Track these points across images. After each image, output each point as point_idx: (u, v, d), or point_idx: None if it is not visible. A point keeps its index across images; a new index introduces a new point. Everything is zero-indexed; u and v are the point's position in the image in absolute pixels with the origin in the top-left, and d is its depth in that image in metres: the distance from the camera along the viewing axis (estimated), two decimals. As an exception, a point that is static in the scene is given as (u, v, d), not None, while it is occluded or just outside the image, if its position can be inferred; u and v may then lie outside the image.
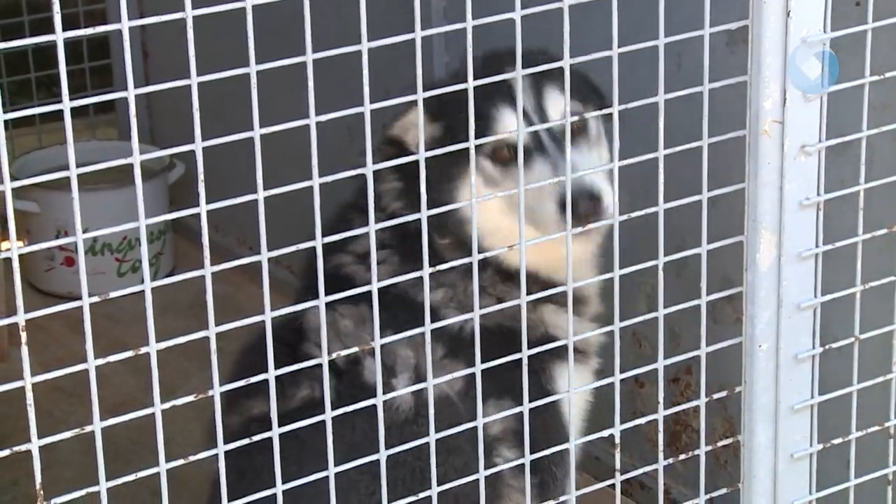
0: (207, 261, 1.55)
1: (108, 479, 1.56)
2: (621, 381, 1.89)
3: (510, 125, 2.18)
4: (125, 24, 1.42)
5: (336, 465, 1.65)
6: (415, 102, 1.63)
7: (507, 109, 2.19)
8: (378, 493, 1.71)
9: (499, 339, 2.00)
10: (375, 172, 1.61)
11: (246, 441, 1.65)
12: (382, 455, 1.70)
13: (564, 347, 1.85)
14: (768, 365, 1.94)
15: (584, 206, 2.07)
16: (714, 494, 2.04)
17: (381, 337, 1.66)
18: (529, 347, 1.78)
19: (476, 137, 1.70)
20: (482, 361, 1.74)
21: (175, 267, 4.44)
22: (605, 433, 1.91)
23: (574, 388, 1.89)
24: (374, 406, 1.67)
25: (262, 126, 1.53)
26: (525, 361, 1.77)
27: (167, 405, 1.58)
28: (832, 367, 2.05)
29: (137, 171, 1.48)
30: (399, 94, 1.69)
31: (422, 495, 1.74)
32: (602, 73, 1.76)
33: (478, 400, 1.78)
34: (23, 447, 1.50)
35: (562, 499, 1.96)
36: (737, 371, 1.97)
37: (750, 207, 1.88)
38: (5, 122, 1.39)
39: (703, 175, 1.85)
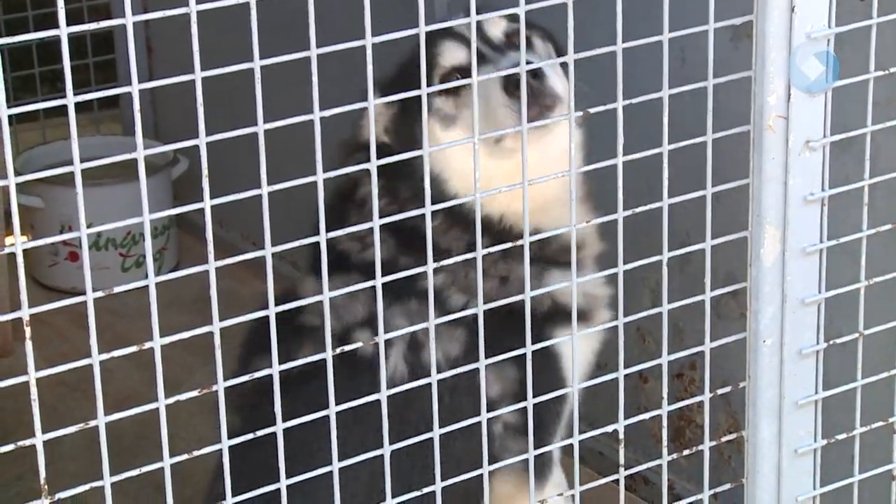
0: (211, 256, 1.55)
1: (112, 474, 1.56)
2: (625, 376, 1.89)
3: (454, 55, 2.21)
4: (129, 20, 1.42)
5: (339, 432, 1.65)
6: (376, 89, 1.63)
7: (447, 41, 2.23)
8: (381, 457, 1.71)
9: (502, 314, 1.98)
10: (357, 174, 1.62)
11: (249, 436, 1.65)
12: (386, 451, 1.70)
13: (568, 308, 1.85)
14: (772, 360, 1.94)
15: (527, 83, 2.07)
16: (718, 490, 2.04)
17: (378, 310, 1.66)
18: (537, 322, 1.79)
19: (428, 81, 1.75)
20: (485, 335, 1.75)
21: (179, 262, 4.44)
22: (609, 429, 1.91)
23: (575, 371, 1.90)
24: (376, 376, 1.67)
25: (265, 121, 1.53)
26: (528, 339, 1.77)
27: (171, 400, 1.58)
28: (836, 363, 2.05)
29: (141, 167, 1.48)
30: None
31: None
32: (606, 68, 1.76)
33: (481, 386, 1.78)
34: (27, 442, 1.51)
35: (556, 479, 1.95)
36: (741, 366, 1.97)
37: (754, 203, 1.88)
38: (9, 116, 1.39)
39: (708, 170, 1.84)
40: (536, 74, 2.13)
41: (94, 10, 4.94)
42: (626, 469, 1.94)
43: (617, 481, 1.97)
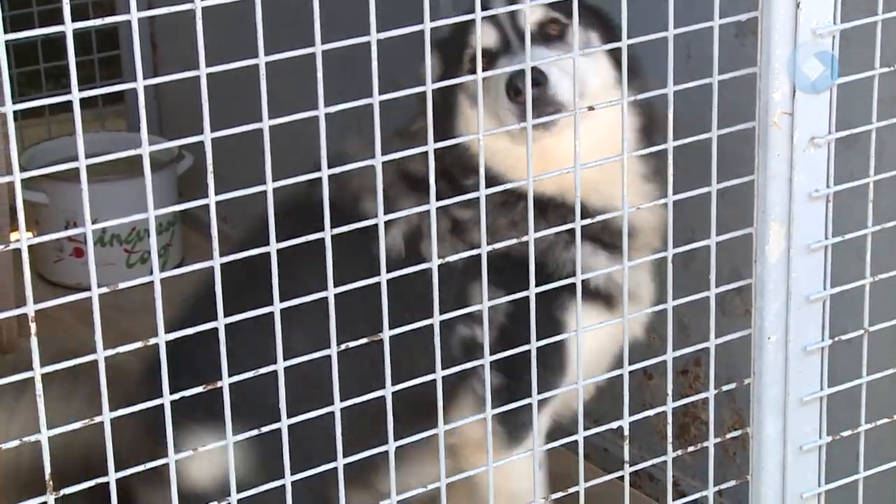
0: (216, 252, 1.55)
1: (117, 470, 1.56)
2: (630, 372, 1.89)
3: (483, 36, 2.20)
4: (134, 16, 1.42)
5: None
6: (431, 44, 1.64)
7: (482, 23, 2.23)
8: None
9: (516, 261, 1.97)
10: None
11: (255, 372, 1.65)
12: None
13: (588, 285, 1.84)
14: (777, 357, 1.94)
15: (521, 82, 2.07)
16: (723, 486, 2.03)
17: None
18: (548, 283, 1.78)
19: (459, 60, 1.85)
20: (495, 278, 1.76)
21: (184, 258, 4.44)
22: (614, 425, 1.91)
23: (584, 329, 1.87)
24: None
25: (270, 117, 1.53)
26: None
27: (176, 396, 1.59)
28: (841, 360, 2.05)
29: (146, 163, 1.48)
30: (408, 85, 1.69)
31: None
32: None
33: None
34: (32, 437, 1.51)
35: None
36: (746, 363, 1.97)
37: (759, 199, 1.88)
38: (14, 112, 1.39)
39: (713, 167, 1.84)
40: (539, 81, 2.12)
41: (99, 6, 4.94)
42: (630, 466, 1.94)
43: (622, 478, 1.97)
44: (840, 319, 2.02)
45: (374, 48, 1.57)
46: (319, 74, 1.54)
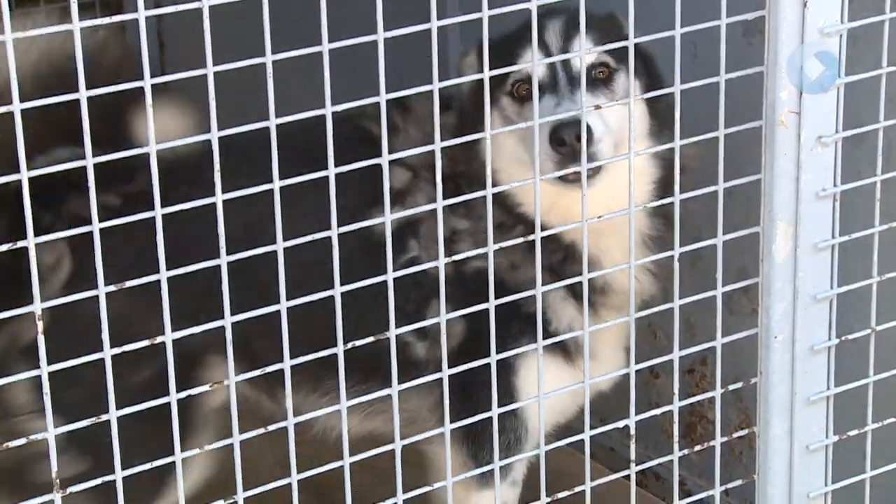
0: (223, 251, 1.55)
1: (123, 468, 1.57)
2: (636, 371, 1.89)
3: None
4: (142, 14, 1.42)
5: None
6: (474, 46, 1.64)
7: (530, 47, 2.20)
8: None
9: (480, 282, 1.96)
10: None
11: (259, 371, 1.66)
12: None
13: (548, 332, 1.84)
14: (784, 356, 1.94)
15: (568, 135, 2.05)
16: (729, 486, 2.03)
17: None
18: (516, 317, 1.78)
19: (502, 78, 1.96)
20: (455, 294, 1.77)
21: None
22: (621, 424, 1.91)
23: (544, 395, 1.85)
24: None
25: (277, 116, 1.53)
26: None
27: (183, 394, 1.59)
28: (848, 359, 2.05)
29: (153, 161, 1.48)
30: (414, 84, 1.69)
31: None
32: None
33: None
34: (39, 436, 1.51)
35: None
36: (752, 362, 1.97)
37: (766, 198, 1.87)
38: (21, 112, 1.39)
39: (720, 166, 1.84)
40: (579, 129, 2.06)
41: (106, 4, 4.94)
42: (637, 465, 1.94)
43: (628, 477, 1.97)
44: (847, 319, 2.02)
45: (381, 46, 1.57)
46: (326, 73, 1.54)
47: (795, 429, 1.97)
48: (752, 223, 1.90)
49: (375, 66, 1.57)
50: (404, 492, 1.74)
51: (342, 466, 1.71)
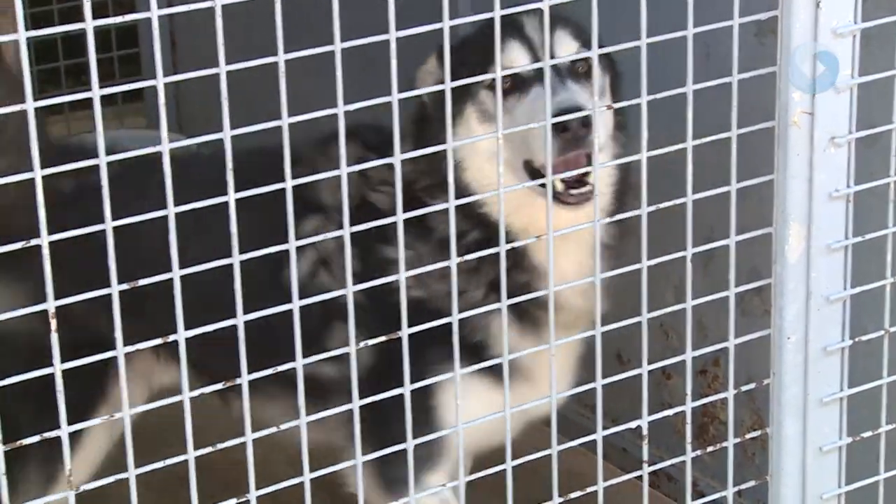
0: (236, 250, 1.55)
1: (136, 466, 1.57)
2: (648, 372, 1.88)
3: (515, 57, 2.17)
4: (154, 13, 1.42)
5: None
6: (434, 51, 1.63)
7: (512, 41, 2.18)
8: None
9: (417, 308, 1.90)
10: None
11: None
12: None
13: (469, 354, 1.87)
14: (797, 357, 1.93)
15: (574, 123, 2.01)
16: (742, 487, 2.03)
17: None
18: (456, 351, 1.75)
19: (481, 72, 1.80)
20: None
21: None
22: (633, 425, 1.91)
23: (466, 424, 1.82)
24: None
25: (289, 115, 1.53)
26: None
27: (195, 393, 1.59)
28: (861, 360, 2.04)
29: (166, 160, 1.48)
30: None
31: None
32: (630, 63, 1.76)
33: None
34: (52, 433, 1.51)
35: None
36: (765, 363, 1.96)
37: (779, 199, 1.87)
38: (34, 109, 1.39)
39: (732, 166, 1.84)
40: (586, 122, 2.02)
41: (119, 3, 4.96)
42: (649, 466, 1.94)
43: (640, 478, 1.96)
44: (860, 320, 2.02)
45: (392, 46, 1.57)
46: (338, 72, 1.54)
47: (808, 430, 1.96)
48: (764, 224, 1.89)
49: (380, 66, 1.57)
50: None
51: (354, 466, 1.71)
